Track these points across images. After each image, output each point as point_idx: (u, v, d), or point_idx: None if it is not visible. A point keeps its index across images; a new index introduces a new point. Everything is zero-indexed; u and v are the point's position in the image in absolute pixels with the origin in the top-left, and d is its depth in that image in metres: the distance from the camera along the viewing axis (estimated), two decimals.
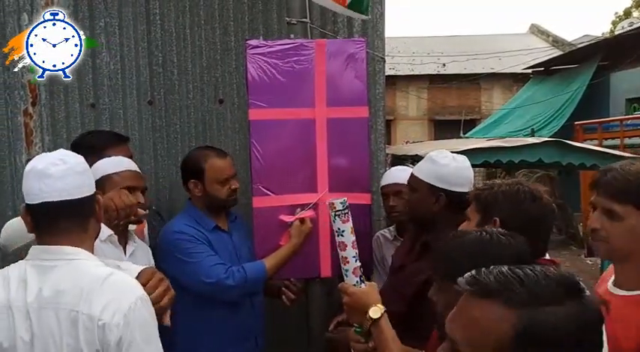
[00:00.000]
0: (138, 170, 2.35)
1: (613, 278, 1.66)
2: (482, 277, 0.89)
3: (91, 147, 2.48)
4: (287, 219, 2.49)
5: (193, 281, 2.34)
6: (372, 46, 3.07)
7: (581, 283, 0.87)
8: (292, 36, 2.59)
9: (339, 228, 1.85)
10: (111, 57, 3.08)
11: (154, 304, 1.74)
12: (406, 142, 13.29)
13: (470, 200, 1.78)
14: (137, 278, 1.82)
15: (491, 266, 0.91)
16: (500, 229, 1.35)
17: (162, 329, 2.36)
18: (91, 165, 2.41)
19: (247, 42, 2.52)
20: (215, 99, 3.14)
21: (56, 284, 1.50)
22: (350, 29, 3.13)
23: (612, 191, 1.55)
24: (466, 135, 12.19)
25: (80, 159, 1.63)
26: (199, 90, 3.13)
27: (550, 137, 9.56)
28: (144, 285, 1.71)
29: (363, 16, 2.87)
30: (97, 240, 2.10)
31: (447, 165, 2.14)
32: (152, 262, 2.39)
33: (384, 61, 3.17)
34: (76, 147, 2.55)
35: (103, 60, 3.08)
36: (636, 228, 1.54)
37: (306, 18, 2.64)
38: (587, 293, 0.87)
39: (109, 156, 2.42)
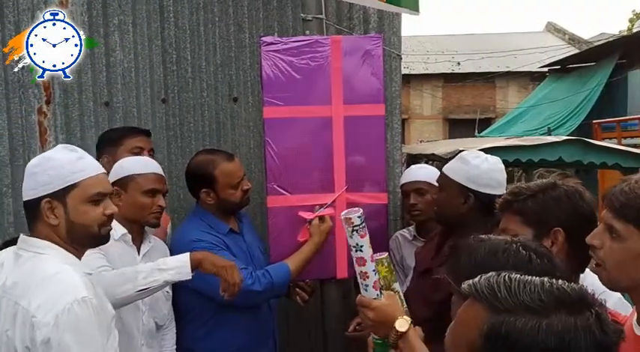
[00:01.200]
0: (162, 173, 2.31)
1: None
2: (478, 281, 0.88)
3: (108, 140, 2.61)
4: (306, 215, 2.44)
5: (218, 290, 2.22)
6: (388, 43, 3.03)
7: (594, 304, 0.82)
8: (307, 32, 2.56)
9: (357, 244, 1.75)
10: (124, 55, 3.05)
11: (230, 285, 1.95)
12: (420, 141, 13.20)
13: (503, 211, 1.65)
14: (194, 267, 1.95)
15: (495, 272, 0.89)
16: (528, 241, 1.22)
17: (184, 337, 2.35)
18: (109, 156, 2.48)
19: (262, 39, 2.49)
20: (229, 97, 3.10)
21: (17, 275, 1.54)
22: (366, 26, 3.08)
23: (616, 205, 1.32)
24: (481, 134, 12.08)
25: (40, 160, 1.64)
26: (213, 88, 3.10)
27: (567, 136, 9.45)
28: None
29: (414, 13, 2.79)
30: (110, 239, 2.10)
31: (479, 165, 2.06)
32: None
33: (400, 58, 3.12)
34: (98, 143, 2.70)
35: (117, 58, 3.06)
36: (636, 250, 1.29)
37: (321, 14, 2.60)
38: (598, 314, 0.81)
39: (125, 146, 2.49)
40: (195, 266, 1.96)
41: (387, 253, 1.90)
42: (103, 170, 1.72)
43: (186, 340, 2.37)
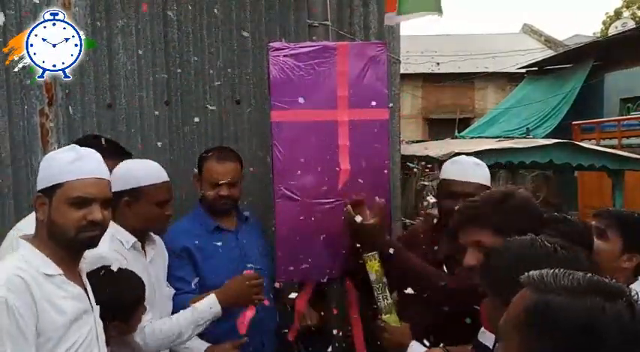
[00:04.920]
0: (168, 179, 2.33)
1: None
2: (532, 272, 0.97)
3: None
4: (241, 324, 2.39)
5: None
6: (387, 48, 3.09)
7: (625, 293, 0.90)
8: (314, 38, 2.62)
9: None
10: (128, 57, 3.08)
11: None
12: (402, 141, 13.32)
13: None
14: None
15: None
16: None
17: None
18: None
19: (270, 44, 2.54)
20: (232, 100, 3.14)
21: None
22: (366, 31, 3.15)
23: None
24: (461, 134, 12.25)
25: (48, 155, 1.72)
26: (216, 91, 3.14)
27: (545, 137, 9.63)
28: None
29: (437, 14, 2.80)
30: (123, 248, 2.14)
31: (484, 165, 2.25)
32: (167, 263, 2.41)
33: (399, 63, 3.20)
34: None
35: (120, 60, 3.08)
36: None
37: (327, 20, 2.67)
38: (630, 303, 0.89)
39: None
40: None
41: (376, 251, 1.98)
42: (101, 175, 1.70)
43: None
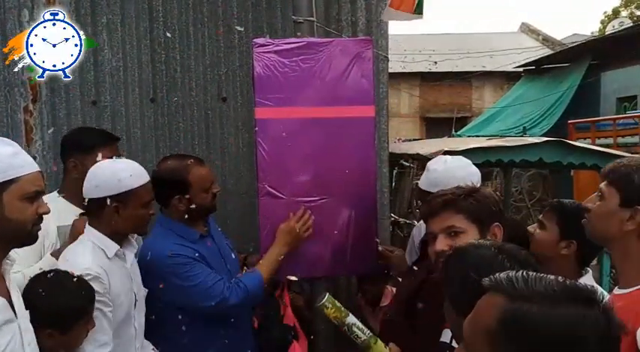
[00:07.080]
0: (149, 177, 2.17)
1: None
2: (498, 275, 0.92)
3: (79, 145, 2.40)
4: None
5: (196, 304, 2.24)
6: (375, 45, 3.07)
7: (598, 298, 0.87)
8: (299, 34, 2.59)
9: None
10: (113, 54, 3.06)
11: None
12: (398, 139, 13.31)
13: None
14: None
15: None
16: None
17: None
18: (77, 161, 2.32)
19: (254, 40, 2.51)
20: (218, 97, 3.12)
21: None
22: (354, 28, 3.12)
23: (606, 171, 1.59)
24: (458, 133, 12.24)
25: None
26: (202, 88, 3.11)
27: (542, 135, 9.61)
28: None
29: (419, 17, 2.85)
30: (105, 258, 1.99)
31: (436, 169, 2.20)
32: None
33: (388, 60, 3.17)
34: (65, 143, 2.47)
35: (105, 57, 3.06)
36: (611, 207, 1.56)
37: (312, 16, 2.64)
38: (605, 310, 0.86)
39: (96, 156, 2.26)
40: None
41: (326, 295, 1.91)
42: (38, 167, 1.63)
43: None
